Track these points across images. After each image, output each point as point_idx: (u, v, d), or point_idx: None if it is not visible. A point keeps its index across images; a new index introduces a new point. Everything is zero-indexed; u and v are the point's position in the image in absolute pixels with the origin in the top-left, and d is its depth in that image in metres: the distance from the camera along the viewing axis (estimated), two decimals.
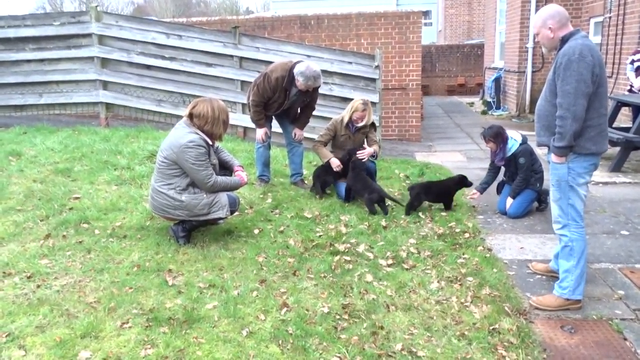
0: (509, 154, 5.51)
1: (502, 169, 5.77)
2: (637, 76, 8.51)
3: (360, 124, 5.85)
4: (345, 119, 5.86)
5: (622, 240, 4.84)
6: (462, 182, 5.67)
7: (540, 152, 7.26)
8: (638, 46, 8.90)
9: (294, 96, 5.73)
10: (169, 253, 4.20)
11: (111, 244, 4.31)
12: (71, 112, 9.22)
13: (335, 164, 5.68)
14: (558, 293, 3.61)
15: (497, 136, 5.50)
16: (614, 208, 5.72)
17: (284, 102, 5.73)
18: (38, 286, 3.62)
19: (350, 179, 5.60)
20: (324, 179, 5.79)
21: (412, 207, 5.49)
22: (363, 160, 5.67)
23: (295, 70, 5.48)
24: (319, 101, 6.28)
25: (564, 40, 3.39)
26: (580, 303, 3.60)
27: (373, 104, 8.09)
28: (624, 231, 5.07)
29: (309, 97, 5.83)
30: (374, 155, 5.90)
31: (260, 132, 5.87)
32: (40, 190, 5.39)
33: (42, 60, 8.93)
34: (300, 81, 5.50)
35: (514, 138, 5.54)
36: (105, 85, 8.92)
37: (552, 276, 3.98)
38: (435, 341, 3.14)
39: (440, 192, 5.67)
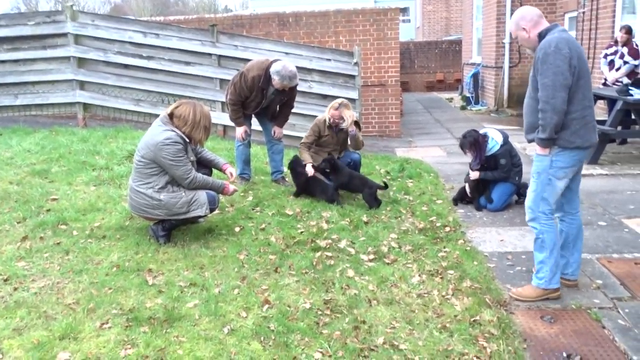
0: (489, 153, 5.53)
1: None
2: (610, 70, 8.66)
3: (342, 126, 5.85)
4: (327, 120, 5.87)
5: (599, 231, 4.91)
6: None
7: (519, 146, 7.34)
8: (611, 40, 9.04)
9: (271, 95, 5.71)
10: (149, 253, 4.15)
11: (90, 245, 4.25)
12: (48, 113, 9.08)
13: (309, 170, 5.63)
14: (536, 284, 3.65)
15: (474, 144, 5.52)
16: (591, 200, 5.81)
17: (261, 101, 5.70)
18: (15, 289, 3.55)
19: (341, 177, 5.58)
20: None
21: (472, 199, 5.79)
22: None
23: (272, 69, 5.47)
24: (298, 98, 6.27)
25: (542, 36, 3.43)
26: (559, 291, 3.65)
27: (352, 100, 8.12)
28: (601, 222, 5.15)
29: (287, 95, 5.82)
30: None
31: (239, 131, 5.84)
32: (17, 192, 5.29)
33: (17, 61, 8.79)
34: (276, 80, 5.48)
35: (495, 139, 5.53)
36: (82, 85, 8.80)
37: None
38: (417, 334, 3.16)
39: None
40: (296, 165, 5.69)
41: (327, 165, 5.63)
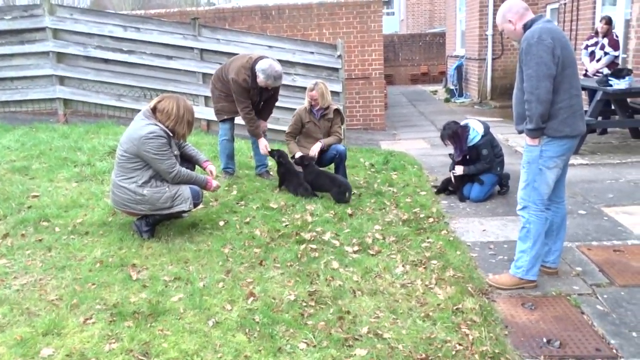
0: (471, 144, 5.58)
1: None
2: (591, 61, 8.77)
3: (323, 106, 5.82)
4: (306, 104, 5.90)
5: (579, 220, 4.99)
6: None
7: (501, 137, 7.40)
8: (592, 32, 9.14)
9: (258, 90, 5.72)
10: (133, 248, 4.14)
11: (72, 241, 4.22)
12: (27, 109, 8.95)
13: (313, 152, 5.70)
14: (513, 272, 3.69)
15: (454, 136, 5.58)
16: (571, 189, 5.89)
17: (257, 98, 5.73)
18: None
19: (308, 175, 5.57)
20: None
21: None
22: (313, 156, 5.70)
23: (257, 67, 5.47)
24: (282, 92, 6.27)
25: (527, 27, 3.43)
26: (535, 282, 3.69)
27: (336, 93, 8.13)
28: (581, 211, 5.23)
29: (272, 90, 5.83)
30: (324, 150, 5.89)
31: (263, 144, 5.79)
32: None
33: None
34: (260, 78, 5.48)
35: (476, 129, 5.59)
36: (62, 80, 8.69)
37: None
38: (400, 323, 3.19)
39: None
40: (278, 157, 5.70)
41: (300, 160, 5.64)
